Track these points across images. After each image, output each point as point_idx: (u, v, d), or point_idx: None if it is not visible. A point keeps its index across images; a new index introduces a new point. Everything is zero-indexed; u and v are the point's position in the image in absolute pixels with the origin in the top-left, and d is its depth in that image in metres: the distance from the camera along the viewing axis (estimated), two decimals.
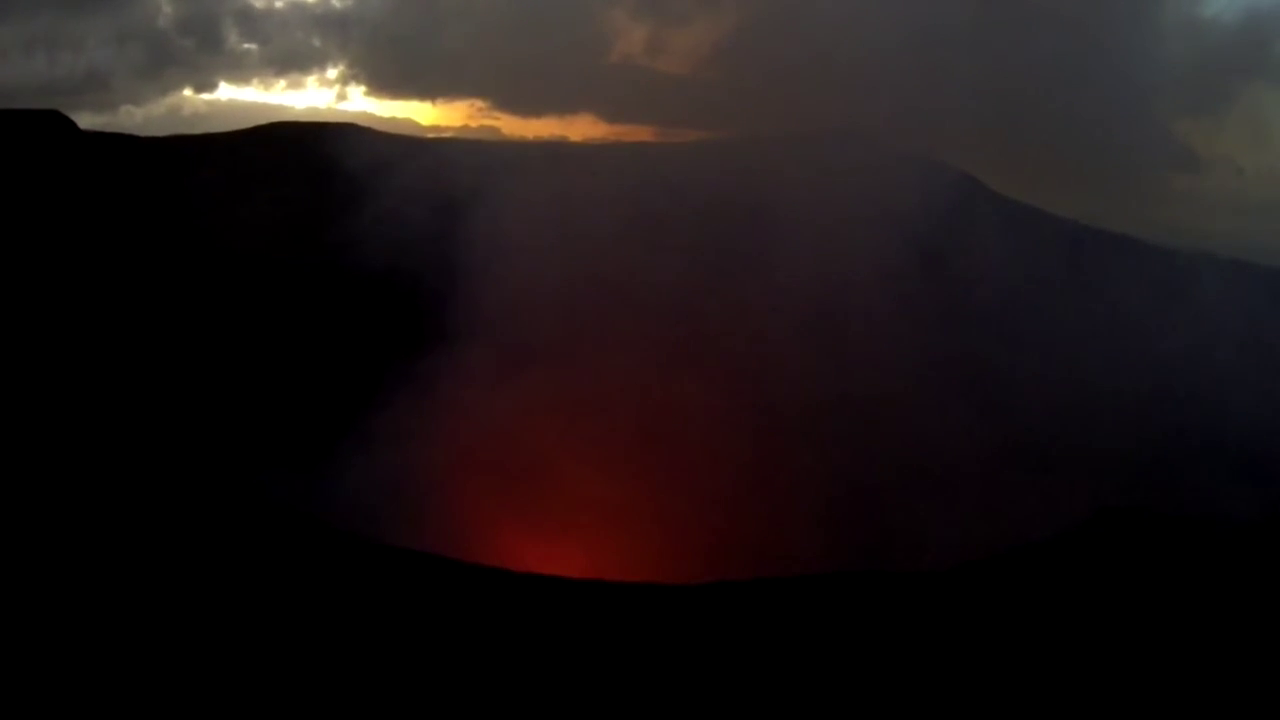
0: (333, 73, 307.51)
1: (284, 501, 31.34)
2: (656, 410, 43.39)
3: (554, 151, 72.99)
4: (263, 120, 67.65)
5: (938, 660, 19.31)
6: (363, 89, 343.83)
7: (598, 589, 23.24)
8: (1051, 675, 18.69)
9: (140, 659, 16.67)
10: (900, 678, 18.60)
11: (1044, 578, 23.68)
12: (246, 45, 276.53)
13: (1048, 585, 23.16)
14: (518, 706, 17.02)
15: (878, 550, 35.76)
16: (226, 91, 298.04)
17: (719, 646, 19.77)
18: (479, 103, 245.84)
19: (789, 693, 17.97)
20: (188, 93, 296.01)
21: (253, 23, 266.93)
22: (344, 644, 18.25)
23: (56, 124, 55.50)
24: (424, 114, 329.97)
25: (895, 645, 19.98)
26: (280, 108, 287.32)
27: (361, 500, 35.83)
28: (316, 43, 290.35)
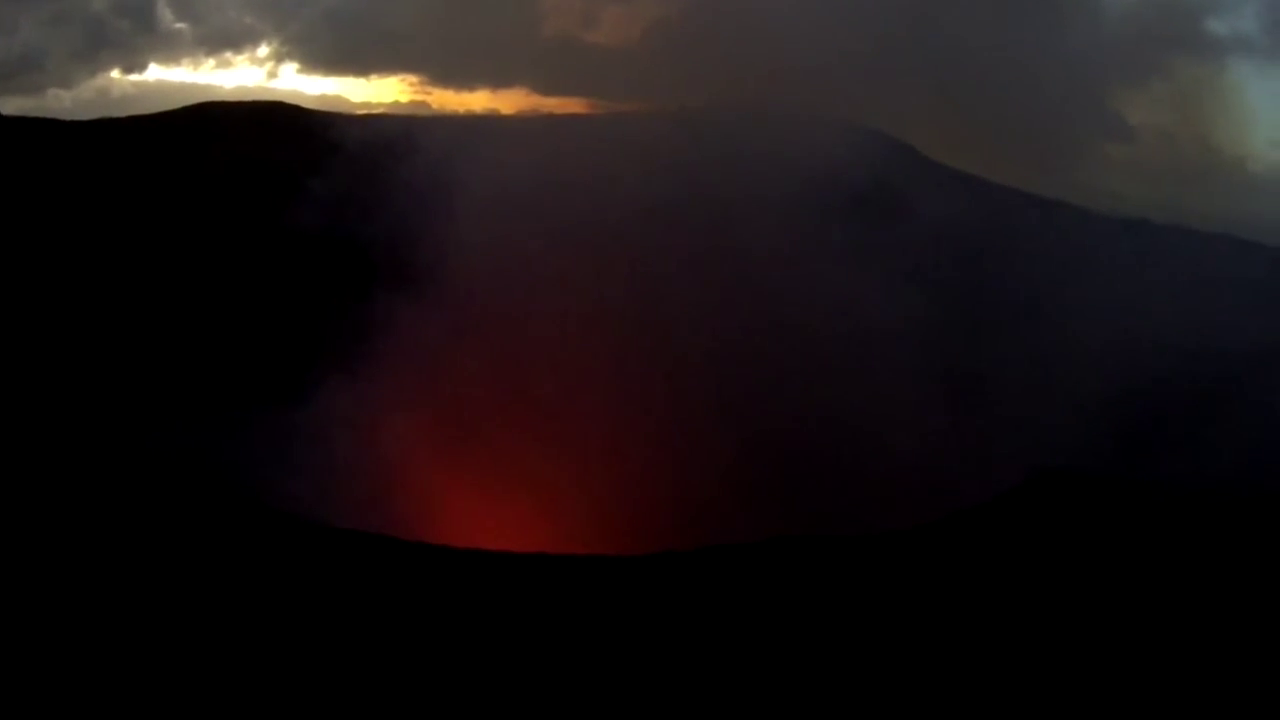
0: (264, 51, 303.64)
1: (205, 468, 31.55)
2: (588, 380, 43.51)
3: (482, 124, 72.68)
4: (191, 100, 66.91)
5: (873, 625, 19.37)
6: (295, 66, 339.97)
7: (543, 562, 23.13)
8: (981, 640, 18.79)
9: (59, 640, 16.36)
10: (837, 643, 18.63)
11: (975, 542, 23.86)
12: (178, 25, 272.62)
13: (979, 549, 23.33)
14: (471, 684, 16.84)
15: (813, 517, 35.95)
16: (155, 72, 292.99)
17: (671, 617, 19.73)
18: (411, 78, 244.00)
19: (738, 661, 17.92)
20: (116, 74, 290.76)
21: (185, 1, 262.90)
22: (284, 627, 17.98)
23: None
24: (356, 90, 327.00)
25: (831, 611, 20.03)
26: (209, 87, 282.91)
27: (295, 469, 36.04)
28: (248, 20, 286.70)
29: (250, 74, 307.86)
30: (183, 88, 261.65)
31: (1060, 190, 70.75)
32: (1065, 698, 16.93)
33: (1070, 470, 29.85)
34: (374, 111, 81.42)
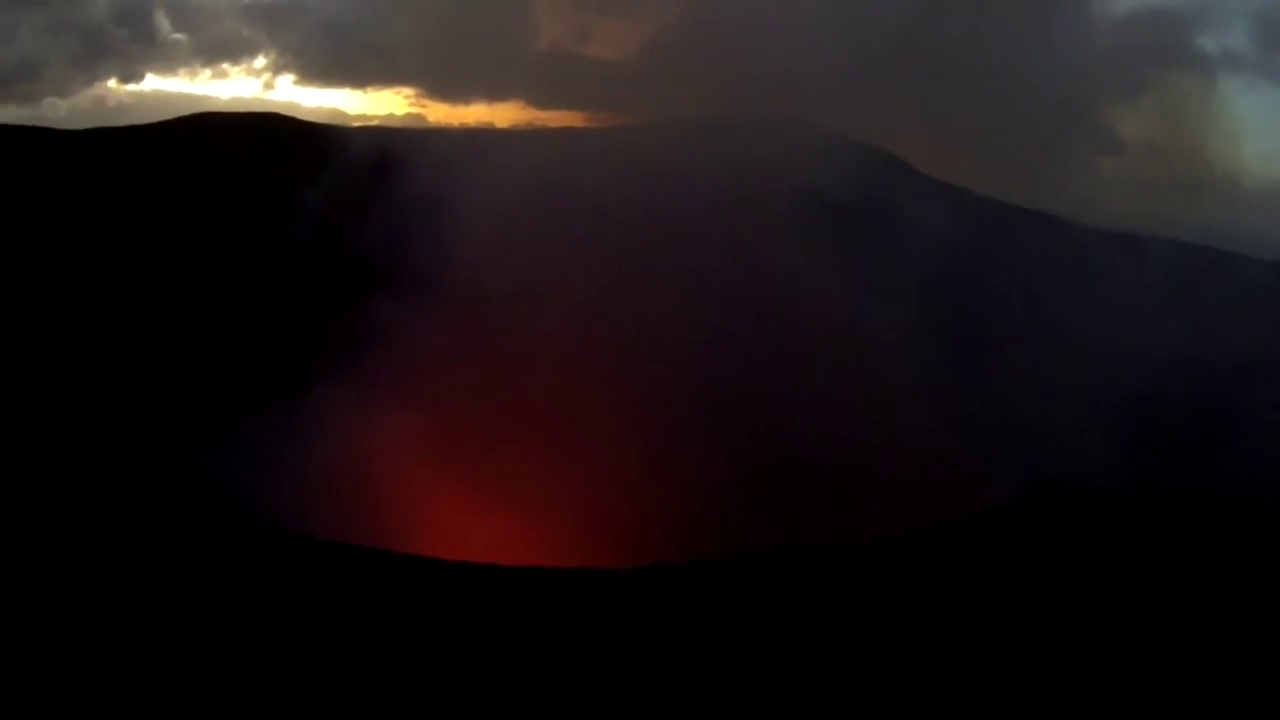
0: (260, 62, 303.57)
1: (193, 478, 31.57)
2: (580, 392, 43.60)
3: (479, 137, 72.82)
4: (187, 111, 66.93)
5: (866, 637, 19.38)
6: (292, 77, 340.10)
7: (536, 576, 23.07)
8: (973, 652, 18.80)
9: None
10: (830, 655, 18.63)
11: (969, 554, 23.85)
12: (176, 35, 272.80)
13: (973, 562, 23.32)
14: (466, 697, 16.78)
15: (807, 530, 35.95)
16: (152, 82, 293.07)
17: (665, 630, 19.69)
18: (407, 90, 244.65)
19: (732, 673, 17.91)
20: (113, 84, 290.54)
21: (184, 12, 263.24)
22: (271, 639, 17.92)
23: None
24: (353, 102, 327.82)
25: (824, 623, 20.03)
26: (205, 98, 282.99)
27: (284, 480, 36.09)
28: (245, 32, 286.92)
29: (247, 85, 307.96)
30: (179, 98, 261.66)
31: (1051, 203, 70.99)
32: (1058, 709, 16.96)
33: (1067, 482, 29.87)
34: (370, 124, 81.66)
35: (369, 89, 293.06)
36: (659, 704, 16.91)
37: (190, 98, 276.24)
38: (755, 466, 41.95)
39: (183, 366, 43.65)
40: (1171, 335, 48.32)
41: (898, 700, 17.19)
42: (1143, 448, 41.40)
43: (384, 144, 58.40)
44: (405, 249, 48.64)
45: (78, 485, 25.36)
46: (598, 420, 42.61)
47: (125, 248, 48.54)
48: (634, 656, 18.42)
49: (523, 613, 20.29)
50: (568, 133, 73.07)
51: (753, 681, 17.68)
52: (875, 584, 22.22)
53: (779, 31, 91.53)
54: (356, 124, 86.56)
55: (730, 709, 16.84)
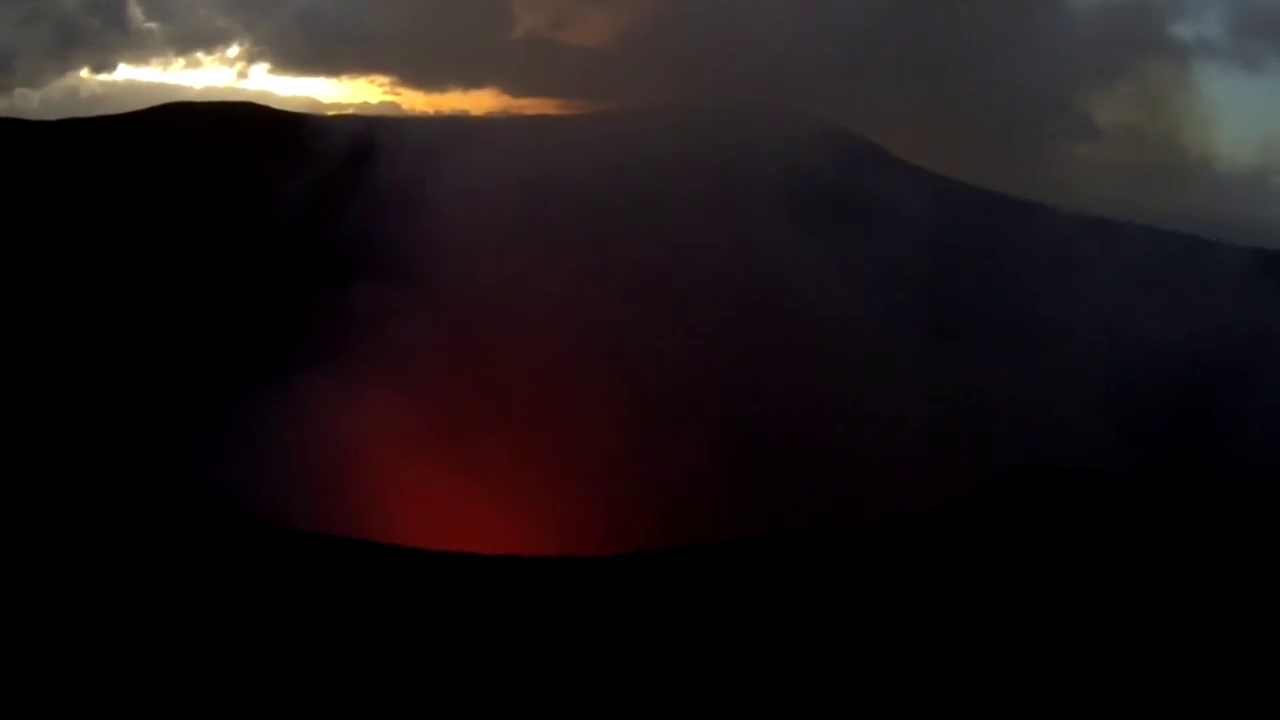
0: (234, 51, 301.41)
1: (172, 468, 31.52)
2: (560, 379, 43.62)
3: (453, 125, 72.46)
4: (160, 100, 66.46)
5: (851, 623, 19.44)
6: (266, 66, 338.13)
7: (514, 564, 23.01)
8: (954, 634, 18.88)
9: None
10: (812, 640, 18.69)
11: (948, 539, 23.94)
12: (149, 24, 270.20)
13: (953, 545, 23.41)
14: (446, 687, 16.75)
15: (786, 516, 36.06)
16: (125, 72, 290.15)
17: (649, 617, 19.69)
18: (382, 79, 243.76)
19: (716, 660, 17.93)
20: (85, 74, 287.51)
21: (156, 0, 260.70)
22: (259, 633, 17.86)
23: None
24: (327, 91, 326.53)
25: (806, 609, 20.08)
26: (178, 87, 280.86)
27: (262, 470, 36.01)
28: (219, 21, 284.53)
29: (220, 74, 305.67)
30: (152, 87, 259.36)
31: (1028, 189, 71.35)
32: (1028, 694, 17.05)
33: (1041, 467, 30.02)
34: (345, 112, 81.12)
35: (343, 77, 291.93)
36: (643, 692, 16.92)
37: (163, 87, 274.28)
38: (737, 454, 41.99)
39: (160, 357, 43.38)
40: (1147, 320, 48.63)
41: (876, 686, 17.25)
42: (1117, 431, 41.66)
43: (360, 132, 58.21)
44: (382, 237, 48.53)
45: (54, 477, 25.19)
46: (579, 408, 42.60)
47: (99, 239, 48.22)
48: (617, 644, 18.42)
49: (505, 602, 20.26)
50: (545, 120, 72.88)
51: (736, 667, 17.71)
52: (853, 570, 22.29)
53: (757, 18, 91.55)
54: (331, 112, 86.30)
55: (714, 695, 16.87)
